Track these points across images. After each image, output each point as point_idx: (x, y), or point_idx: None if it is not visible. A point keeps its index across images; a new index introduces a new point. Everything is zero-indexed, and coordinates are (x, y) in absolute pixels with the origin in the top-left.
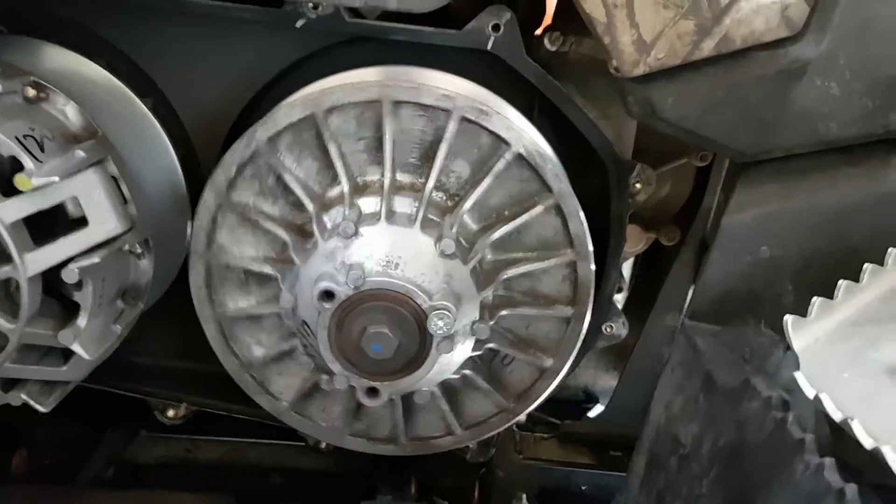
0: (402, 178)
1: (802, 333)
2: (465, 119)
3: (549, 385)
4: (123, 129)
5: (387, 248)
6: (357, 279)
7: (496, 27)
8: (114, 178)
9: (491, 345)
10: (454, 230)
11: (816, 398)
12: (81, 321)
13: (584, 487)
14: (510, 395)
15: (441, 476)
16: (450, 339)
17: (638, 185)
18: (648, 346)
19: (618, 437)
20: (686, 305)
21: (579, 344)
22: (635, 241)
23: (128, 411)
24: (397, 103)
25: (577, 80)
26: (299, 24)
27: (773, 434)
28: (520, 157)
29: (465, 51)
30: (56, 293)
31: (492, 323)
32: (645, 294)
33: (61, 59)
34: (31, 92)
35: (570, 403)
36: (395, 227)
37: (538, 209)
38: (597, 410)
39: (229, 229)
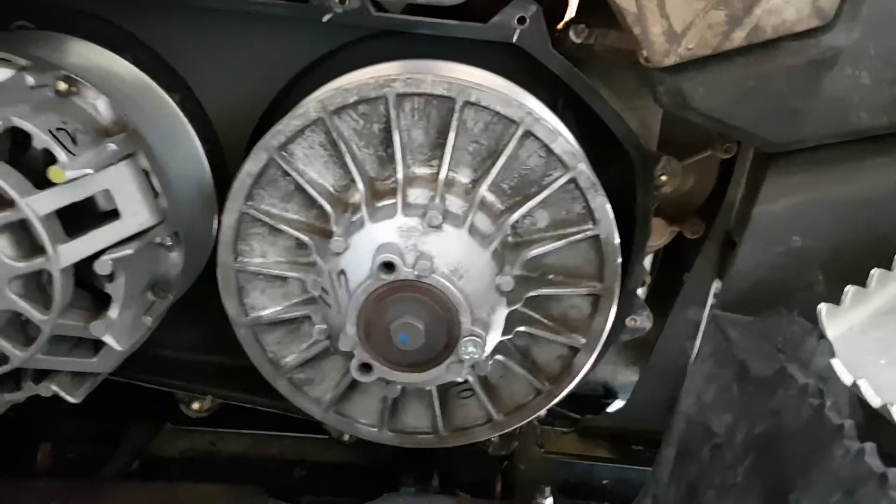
0: (489, 196)
1: (836, 322)
2: (574, 181)
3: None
4: (152, 124)
5: (459, 255)
6: (425, 269)
7: (522, 20)
8: (144, 171)
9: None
10: (514, 270)
11: (854, 385)
12: (113, 312)
13: (605, 481)
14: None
15: (463, 469)
16: (461, 364)
17: (664, 178)
18: (671, 341)
19: (640, 431)
20: (710, 297)
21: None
22: (660, 234)
23: (153, 404)
24: (529, 134)
25: (602, 73)
26: (326, 18)
27: (811, 421)
28: (596, 240)
29: (483, 42)
30: (87, 285)
31: (491, 362)
32: (666, 287)
33: (89, 55)
34: (63, 86)
35: (589, 398)
36: (472, 241)
37: (582, 290)
38: (616, 406)
39: (308, 145)
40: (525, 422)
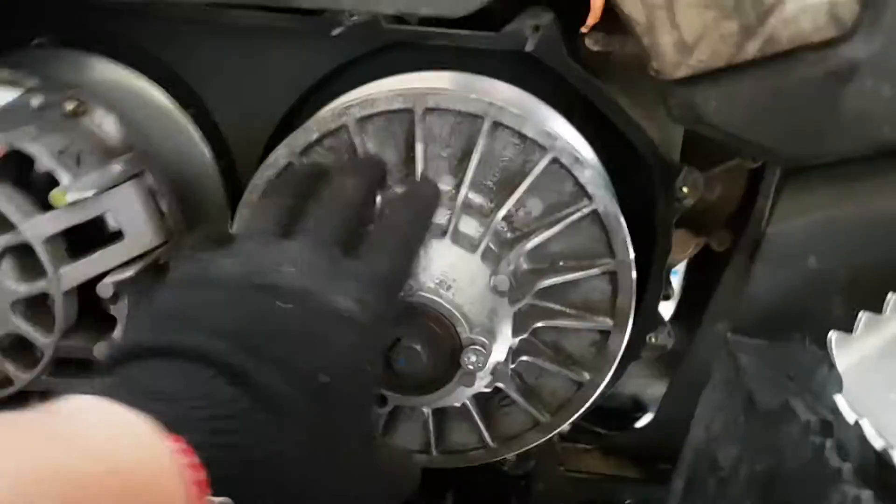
0: (474, 197)
1: (847, 351)
2: (556, 161)
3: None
4: (164, 141)
5: (445, 266)
6: (409, 289)
7: (536, 28)
8: (151, 190)
9: (499, 384)
10: (511, 267)
11: (857, 424)
12: (117, 334)
13: (628, 501)
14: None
15: (480, 489)
16: (473, 374)
17: (685, 190)
18: (699, 356)
19: (666, 448)
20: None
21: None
22: (684, 247)
23: None
24: (497, 125)
25: (622, 82)
26: (336, 32)
27: (811, 462)
28: (596, 215)
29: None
30: (94, 305)
31: (512, 366)
32: (698, 300)
33: (105, 73)
34: (70, 106)
35: (618, 412)
36: (457, 248)
37: (594, 271)
38: (646, 420)
39: None
40: (575, 417)
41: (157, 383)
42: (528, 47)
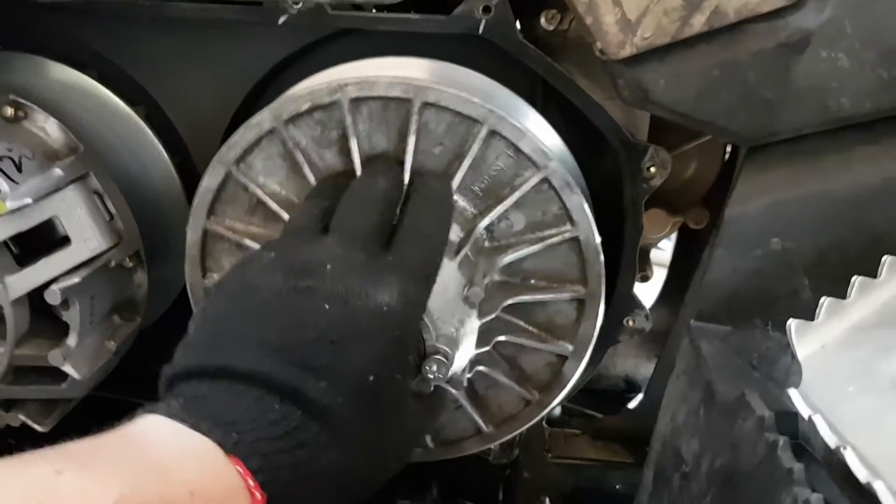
0: (461, 202)
1: (808, 339)
2: (547, 181)
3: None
4: (112, 142)
5: None
6: None
7: (487, 9)
8: (97, 193)
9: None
10: (486, 280)
11: (810, 420)
12: (71, 341)
13: (618, 486)
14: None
15: (467, 478)
16: (427, 382)
17: (652, 169)
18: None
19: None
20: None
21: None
22: (661, 226)
23: None
24: (494, 133)
25: (580, 61)
26: (282, 20)
27: (765, 460)
28: (576, 242)
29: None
30: (50, 312)
31: (468, 376)
32: (685, 279)
33: (49, 73)
34: (9, 111)
35: (610, 394)
36: None
37: (565, 295)
38: (637, 401)
39: (266, 156)
40: (516, 433)
41: (214, 407)
42: (480, 29)
